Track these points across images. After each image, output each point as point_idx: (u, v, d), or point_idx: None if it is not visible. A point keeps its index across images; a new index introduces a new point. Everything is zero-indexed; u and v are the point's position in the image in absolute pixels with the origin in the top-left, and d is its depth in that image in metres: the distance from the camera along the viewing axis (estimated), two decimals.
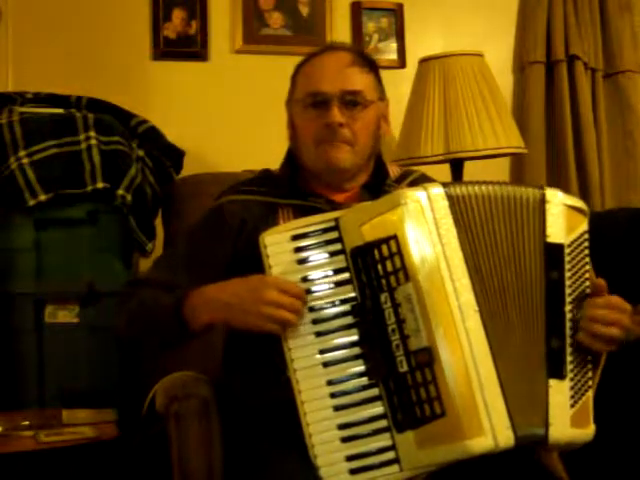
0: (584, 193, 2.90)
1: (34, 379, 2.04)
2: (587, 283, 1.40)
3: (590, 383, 1.38)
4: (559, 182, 2.89)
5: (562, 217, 1.38)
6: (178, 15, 2.62)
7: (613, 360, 1.95)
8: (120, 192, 2.10)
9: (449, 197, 1.34)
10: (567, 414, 1.32)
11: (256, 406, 1.47)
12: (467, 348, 1.27)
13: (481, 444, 1.24)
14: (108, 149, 2.11)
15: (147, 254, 2.20)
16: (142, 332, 1.55)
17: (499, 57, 2.91)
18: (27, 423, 1.88)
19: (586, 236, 1.42)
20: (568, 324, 1.36)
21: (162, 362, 1.76)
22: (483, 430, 1.24)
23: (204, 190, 1.99)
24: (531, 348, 1.33)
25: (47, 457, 1.81)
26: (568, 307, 1.36)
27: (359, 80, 1.58)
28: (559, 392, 1.32)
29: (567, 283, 1.37)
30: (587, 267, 1.41)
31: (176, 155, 2.33)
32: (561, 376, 1.33)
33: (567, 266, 1.37)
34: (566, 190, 3.06)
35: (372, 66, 1.63)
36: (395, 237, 1.29)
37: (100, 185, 2.08)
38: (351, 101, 1.56)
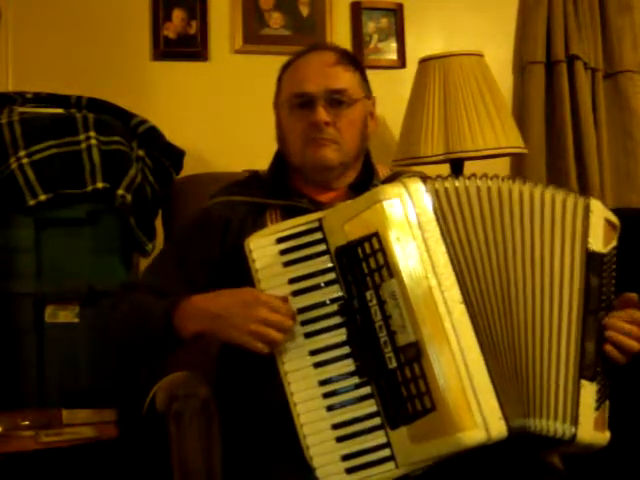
0: (584, 193, 2.88)
1: (34, 379, 2.04)
2: (613, 297, 1.41)
3: (608, 392, 1.39)
4: (559, 182, 2.89)
5: (601, 229, 1.40)
6: (178, 15, 2.62)
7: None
8: (120, 192, 2.10)
9: (429, 192, 1.34)
10: (592, 416, 1.33)
11: (251, 408, 1.47)
12: (454, 341, 1.27)
13: (473, 436, 1.24)
14: (108, 149, 2.11)
15: (147, 254, 2.20)
16: (132, 338, 1.55)
17: (499, 57, 2.90)
18: (27, 423, 1.88)
19: (615, 252, 1.43)
20: (601, 330, 1.37)
21: (162, 362, 1.76)
22: (475, 422, 1.24)
23: (204, 190, 1.98)
24: (565, 347, 1.33)
25: (47, 457, 1.81)
26: (601, 313, 1.37)
27: (343, 79, 1.59)
28: (589, 393, 1.33)
29: (604, 290, 1.38)
30: (613, 281, 1.42)
31: (176, 155, 2.32)
32: (592, 378, 1.34)
33: (604, 274, 1.38)
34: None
35: (356, 65, 1.64)
36: (376, 234, 1.29)
37: (100, 185, 2.08)
38: (336, 100, 1.57)
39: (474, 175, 1.39)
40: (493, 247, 1.34)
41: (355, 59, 1.66)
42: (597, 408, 1.34)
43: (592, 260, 1.37)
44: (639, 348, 1.40)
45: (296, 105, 1.58)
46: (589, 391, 1.33)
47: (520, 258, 1.35)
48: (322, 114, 1.55)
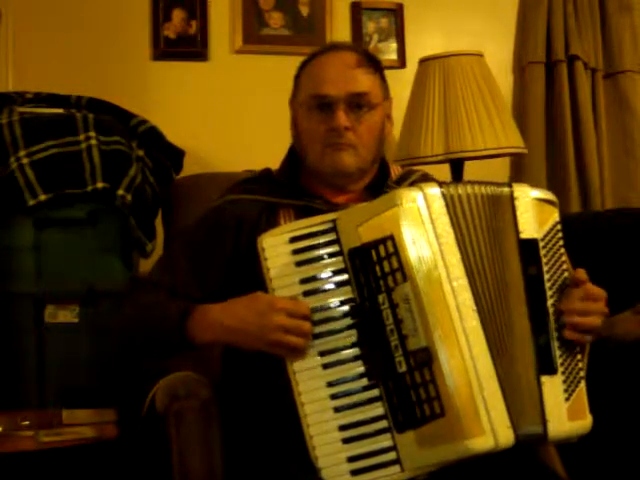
0: (584, 193, 2.90)
1: (34, 379, 2.04)
2: (566, 274, 1.40)
3: (582, 374, 1.38)
4: (559, 182, 2.89)
5: (532, 211, 1.39)
6: (178, 15, 2.62)
7: (613, 359, 1.96)
8: (120, 192, 2.10)
9: (445, 197, 1.34)
10: (563, 408, 1.33)
11: (257, 407, 1.47)
12: (465, 347, 1.27)
13: (481, 443, 1.24)
14: (108, 149, 2.11)
15: (147, 254, 2.20)
16: (141, 337, 1.54)
17: (499, 57, 2.90)
18: (27, 423, 1.87)
19: (559, 227, 1.42)
20: (552, 318, 1.36)
21: (162, 362, 1.76)
22: (483, 429, 1.24)
23: (204, 190, 1.99)
24: (524, 346, 1.34)
25: (47, 457, 1.81)
26: (550, 301, 1.37)
27: (365, 82, 1.56)
28: (552, 388, 1.33)
29: (546, 277, 1.37)
30: (564, 258, 1.41)
31: (176, 155, 2.32)
32: (552, 371, 1.34)
33: (544, 260, 1.38)
34: (566, 190, 3.08)
35: (377, 66, 1.61)
36: (392, 237, 1.29)
37: (100, 185, 2.08)
38: (357, 104, 1.54)
39: (471, 181, 1.39)
40: (494, 253, 1.35)
41: (376, 60, 1.62)
42: (567, 399, 1.33)
43: (525, 250, 1.37)
44: (599, 322, 1.39)
45: (315, 107, 1.54)
46: (553, 385, 1.33)
47: (495, 261, 1.35)
48: (342, 119, 1.52)
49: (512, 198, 1.38)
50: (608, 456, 1.95)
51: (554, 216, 1.42)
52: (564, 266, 1.41)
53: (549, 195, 1.44)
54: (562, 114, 2.89)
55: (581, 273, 1.40)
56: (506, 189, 1.39)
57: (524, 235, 1.37)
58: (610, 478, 1.96)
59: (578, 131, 2.90)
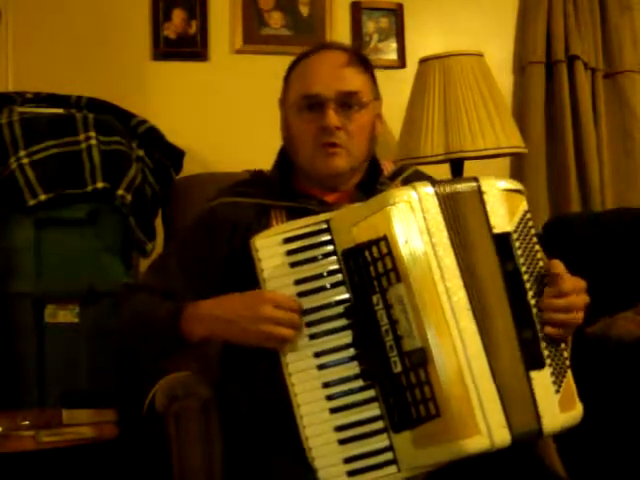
0: (584, 193, 2.90)
1: (34, 379, 2.04)
2: (541, 263, 1.38)
3: (567, 362, 1.37)
4: (559, 182, 2.89)
5: (502, 203, 1.36)
6: (178, 15, 2.63)
7: (613, 359, 1.96)
8: (120, 192, 2.10)
9: (438, 196, 1.33)
10: (555, 401, 1.32)
11: (253, 408, 1.47)
12: (460, 348, 1.27)
13: (476, 443, 1.24)
14: (108, 149, 2.11)
15: (147, 254, 2.20)
16: (137, 341, 1.54)
17: (499, 57, 2.91)
18: (27, 423, 1.87)
19: (529, 215, 1.39)
20: (534, 311, 1.35)
21: (162, 362, 1.76)
22: (479, 429, 1.24)
23: (204, 190, 1.98)
24: (509, 342, 1.32)
25: (47, 457, 1.81)
26: (530, 293, 1.35)
27: (355, 81, 1.55)
28: (542, 382, 1.31)
29: (523, 270, 1.35)
30: (537, 247, 1.39)
31: (176, 155, 2.33)
32: (541, 366, 1.32)
33: (519, 252, 1.36)
34: (566, 190, 3.08)
35: (367, 66, 1.60)
36: (385, 238, 1.28)
37: (100, 185, 2.08)
38: (347, 103, 1.53)
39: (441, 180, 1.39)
40: (473, 250, 1.34)
41: (366, 60, 1.61)
42: (557, 391, 1.32)
43: (500, 244, 1.35)
44: (581, 317, 1.38)
45: (305, 107, 1.54)
46: (542, 379, 1.32)
47: (480, 259, 1.34)
48: (333, 118, 1.51)
49: (480, 193, 1.36)
50: (608, 455, 1.96)
51: (523, 205, 1.40)
52: (538, 255, 1.38)
53: (516, 184, 1.42)
54: (562, 114, 2.89)
55: (557, 266, 1.38)
56: (473, 184, 1.37)
57: (497, 230, 1.35)
58: (610, 478, 1.97)
59: (578, 131, 2.90)
